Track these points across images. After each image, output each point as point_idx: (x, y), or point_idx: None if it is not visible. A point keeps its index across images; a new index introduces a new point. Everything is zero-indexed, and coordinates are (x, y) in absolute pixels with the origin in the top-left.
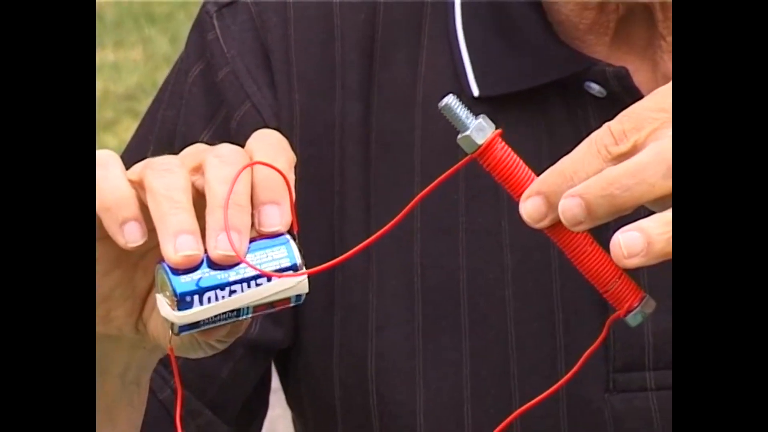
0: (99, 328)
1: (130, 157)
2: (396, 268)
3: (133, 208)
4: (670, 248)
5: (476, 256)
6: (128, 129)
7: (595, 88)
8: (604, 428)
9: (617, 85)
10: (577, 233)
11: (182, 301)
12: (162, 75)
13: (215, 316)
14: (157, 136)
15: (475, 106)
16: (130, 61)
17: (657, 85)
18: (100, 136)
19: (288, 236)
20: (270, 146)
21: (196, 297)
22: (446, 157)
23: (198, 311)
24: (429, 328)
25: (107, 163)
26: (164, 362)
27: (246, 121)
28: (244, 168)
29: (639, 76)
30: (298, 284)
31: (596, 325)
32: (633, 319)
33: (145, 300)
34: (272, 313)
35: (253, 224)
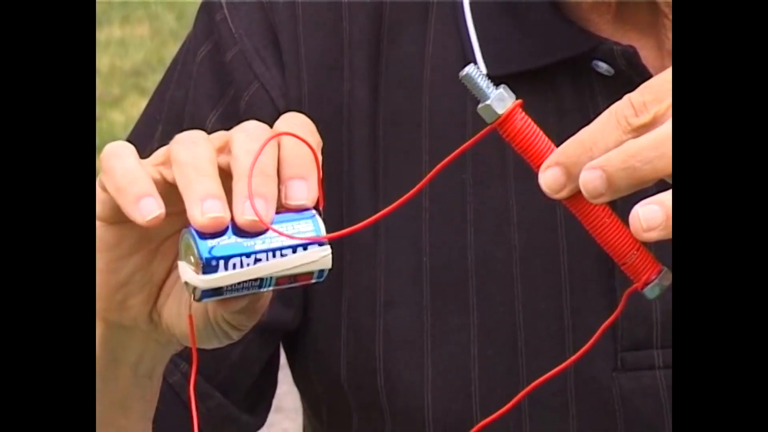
0: (114, 317)
1: (138, 137)
2: (404, 247)
3: (145, 184)
4: None
5: (484, 236)
6: (135, 105)
7: (602, 66)
8: (611, 406)
9: (625, 64)
10: (596, 205)
11: (208, 265)
12: (168, 51)
13: (238, 284)
14: (166, 117)
15: None
16: (137, 37)
17: (663, 63)
18: (107, 112)
19: (314, 211)
20: (298, 126)
21: (221, 262)
22: (454, 136)
23: (222, 276)
24: (437, 307)
25: (120, 153)
26: None
27: (254, 101)
28: (272, 138)
29: (645, 54)
30: (322, 258)
31: (604, 304)
32: (651, 292)
33: (161, 288)
34: (290, 289)
35: (281, 204)
